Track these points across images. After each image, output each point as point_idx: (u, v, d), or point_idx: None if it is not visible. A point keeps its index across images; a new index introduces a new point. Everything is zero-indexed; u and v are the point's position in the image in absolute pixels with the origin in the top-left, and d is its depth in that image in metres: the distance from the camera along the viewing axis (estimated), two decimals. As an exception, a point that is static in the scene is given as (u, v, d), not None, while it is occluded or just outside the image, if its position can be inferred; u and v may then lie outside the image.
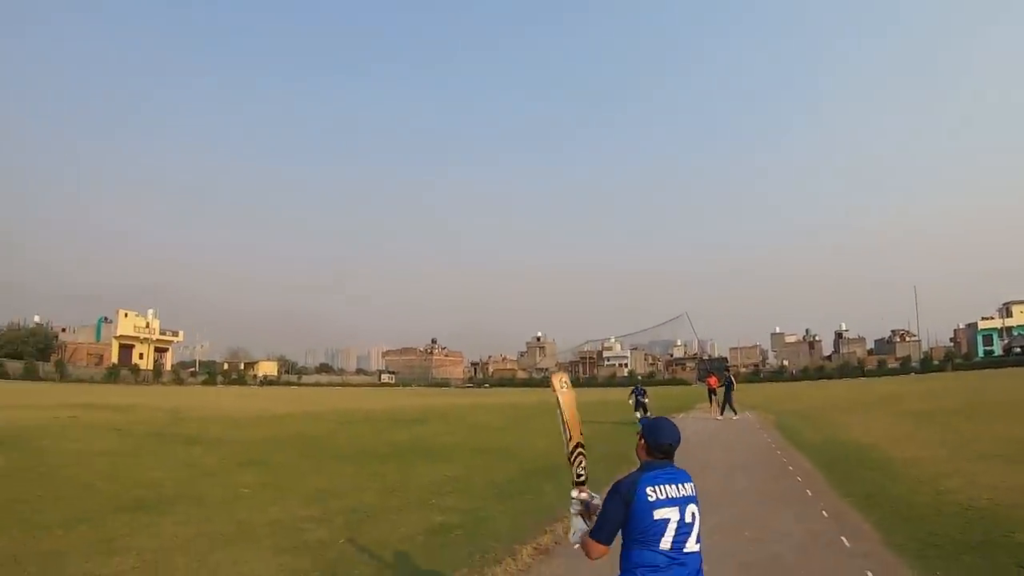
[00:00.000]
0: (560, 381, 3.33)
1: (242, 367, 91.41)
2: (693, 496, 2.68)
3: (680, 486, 2.65)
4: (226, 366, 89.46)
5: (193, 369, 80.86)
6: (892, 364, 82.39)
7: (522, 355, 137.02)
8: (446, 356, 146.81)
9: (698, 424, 20.92)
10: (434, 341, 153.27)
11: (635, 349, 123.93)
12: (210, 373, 77.00)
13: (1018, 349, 70.28)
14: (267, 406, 30.17)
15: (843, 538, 6.14)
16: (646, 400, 20.32)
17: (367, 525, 7.13)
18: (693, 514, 2.63)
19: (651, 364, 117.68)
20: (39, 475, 9.02)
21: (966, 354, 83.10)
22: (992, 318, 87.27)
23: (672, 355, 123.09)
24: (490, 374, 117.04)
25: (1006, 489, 7.63)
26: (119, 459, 11.01)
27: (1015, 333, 79.72)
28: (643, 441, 2.79)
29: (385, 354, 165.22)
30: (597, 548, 2.66)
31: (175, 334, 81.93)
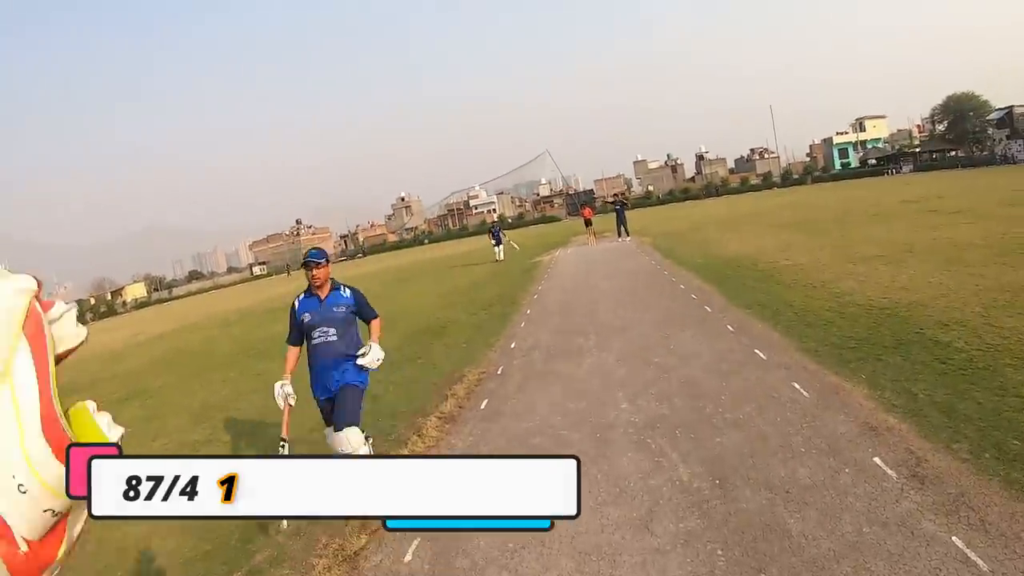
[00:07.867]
0: None
1: (109, 297, 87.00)
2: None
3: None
4: (92, 301, 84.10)
5: (56, 314, 74.11)
6: (754, 181, 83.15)
7: (389, 218, 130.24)
8: (313, 234, 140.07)
9: (580, 255, 21.24)
10: (299, 222, 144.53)
11: (501, 193, 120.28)
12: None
13: (873, 161, 75.54)
14: (142, 329, 28.19)
15: (757, 351, 5.89)
16: (504, 237, 24.14)
17: (255, 432, 6.50)
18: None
19: (519, 206, 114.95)
20: None
21: (823, 168, 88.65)
22: (846, 133, 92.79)
23: (538, 194, 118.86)
24: (361, 244, 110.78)
25: (898, 288, 7.58)
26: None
27: (869, 147, 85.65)
28: None
29: (252, 246, 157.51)
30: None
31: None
